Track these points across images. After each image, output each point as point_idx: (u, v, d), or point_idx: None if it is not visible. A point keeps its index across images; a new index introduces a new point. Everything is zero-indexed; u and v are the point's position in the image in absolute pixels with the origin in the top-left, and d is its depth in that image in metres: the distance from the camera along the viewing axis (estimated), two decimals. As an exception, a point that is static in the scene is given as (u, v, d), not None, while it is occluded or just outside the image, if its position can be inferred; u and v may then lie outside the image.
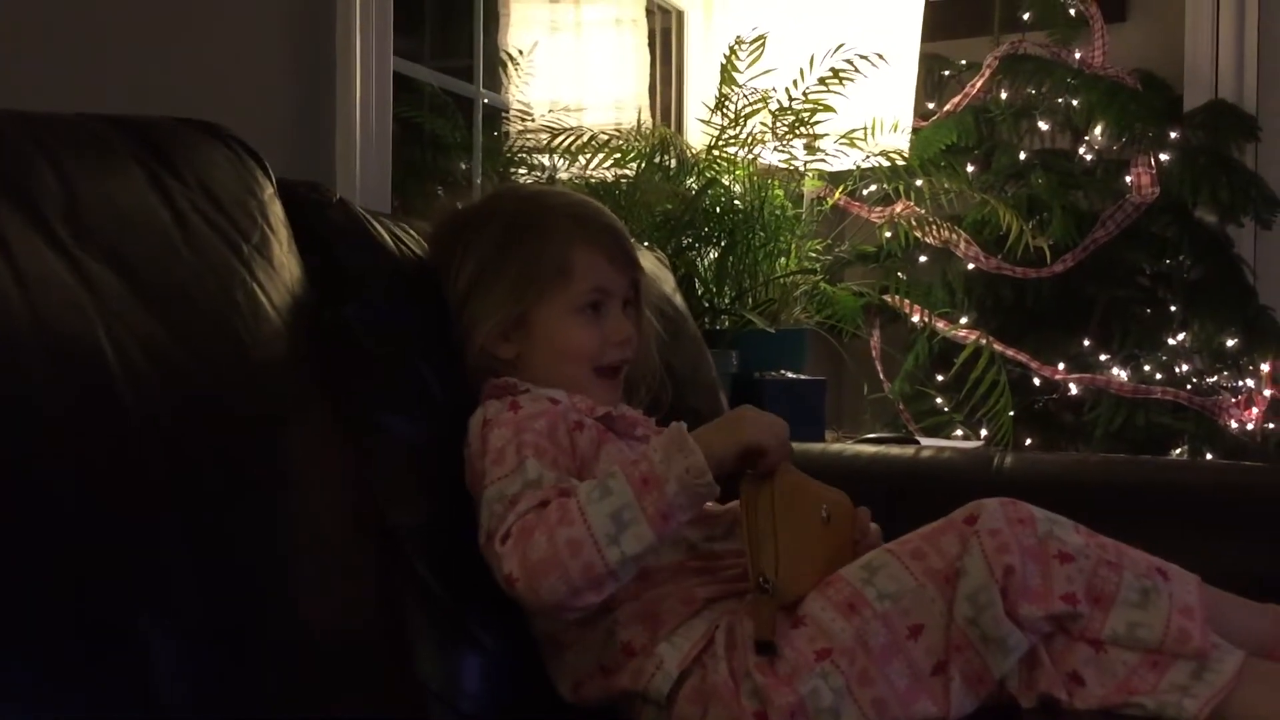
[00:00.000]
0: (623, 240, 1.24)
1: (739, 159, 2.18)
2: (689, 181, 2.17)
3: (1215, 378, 2.46)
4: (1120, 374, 2.42)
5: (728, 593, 1.09)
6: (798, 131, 2.14)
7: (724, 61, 2.16)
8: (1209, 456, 2.34)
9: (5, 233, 0.78)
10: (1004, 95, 2.68)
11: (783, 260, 2.23)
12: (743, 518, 1.06)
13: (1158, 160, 2.49)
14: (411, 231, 1.25)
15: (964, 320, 2.49)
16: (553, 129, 2.13)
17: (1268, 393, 2.44)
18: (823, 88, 2.10)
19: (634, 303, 1.24)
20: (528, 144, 2.15)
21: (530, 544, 0.98)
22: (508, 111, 2.24)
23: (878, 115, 2.26)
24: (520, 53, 2.27)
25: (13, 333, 0.75)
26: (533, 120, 2.20)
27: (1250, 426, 2.38)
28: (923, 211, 2.37)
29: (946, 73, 2.80)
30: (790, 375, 2.05)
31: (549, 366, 1.18)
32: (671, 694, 1.03)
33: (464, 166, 2.11)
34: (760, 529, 1.04)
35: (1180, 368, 2.45)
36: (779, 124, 2.14)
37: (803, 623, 1.03)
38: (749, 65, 2.14)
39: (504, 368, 1.19)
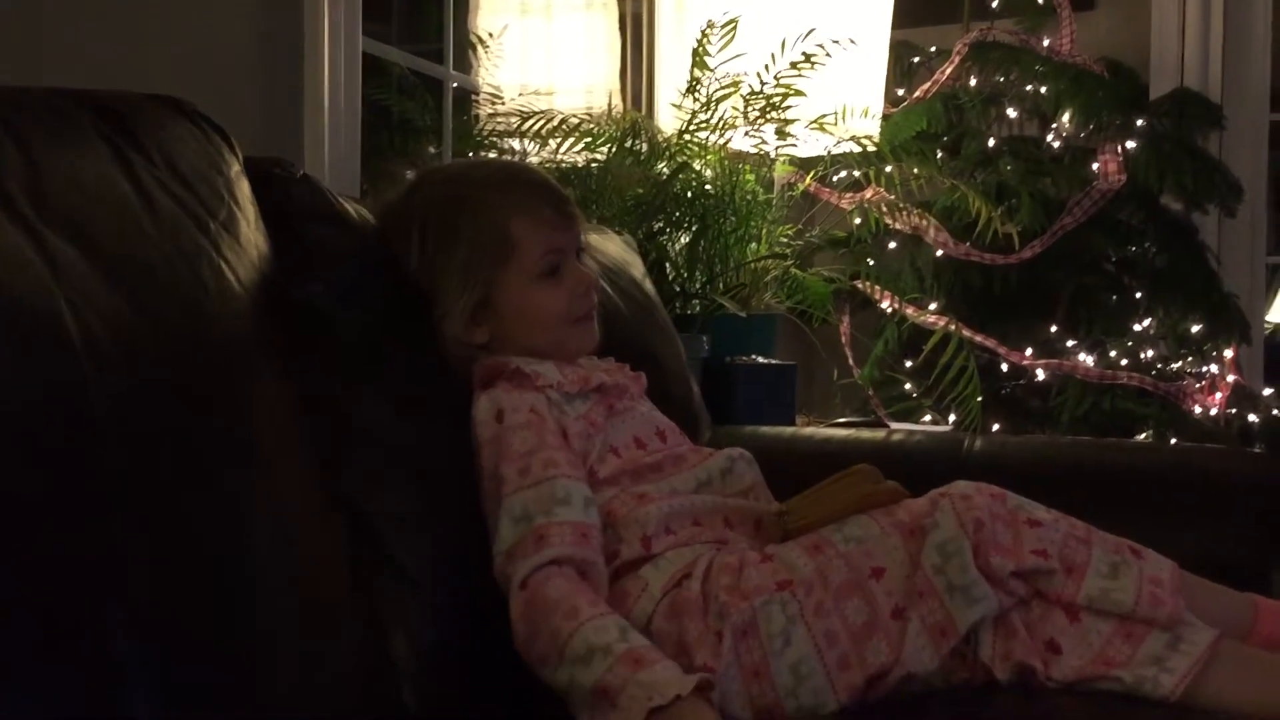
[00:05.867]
0: (555, 194, 1.24)
1: (710, 144, 2.17)
2: (660, 166, 2.17)
3: (1179, 363, 2.49)
4: (1087, 359, 2.44)
5: (720, 540, 1.13)
6: (769, 116, 2.14)
7: (695, 46, 2.15)
8: (1173, 441, 2.36)
9: (-34, 207, 0.77)
10: (973, 82, 2.69)
11: (754, 245, 2.24)
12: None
13: (1124, 148, 2.50)
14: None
15: (933, 306, 2.50)
16: (523, 112, 2.12)
17: (1231, 378, 2.47)
18: (794, 73, 2.10)
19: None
20: (498, 127, 2.13)
21: (531, 615, 0.99)
22: (478, 94, 2.22)
23: (848, 101, 2.26)
24: (490, 35, 2.26)
25: (-26, 309, 0.73)
26: (503, 103, 2.19)
27: (1214, 412, 2.41)
28: (893, 197, 2.37)
29: (916, 59, 2.80)
30: (761, 360, 2.05)
31: (524, 336, 1.19)
32: (650, 616, 1.06)
33: (433, 150, 2.09)
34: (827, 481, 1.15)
35: (1145, 353, 2.47)
36: (750, 108, 2.14)
37: (769, 559, 1.06)
38: (720, 49, 2.13)
39: (481, 351, 1.19)
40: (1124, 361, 2.44)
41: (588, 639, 0.94)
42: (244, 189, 1.05)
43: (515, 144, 2.12)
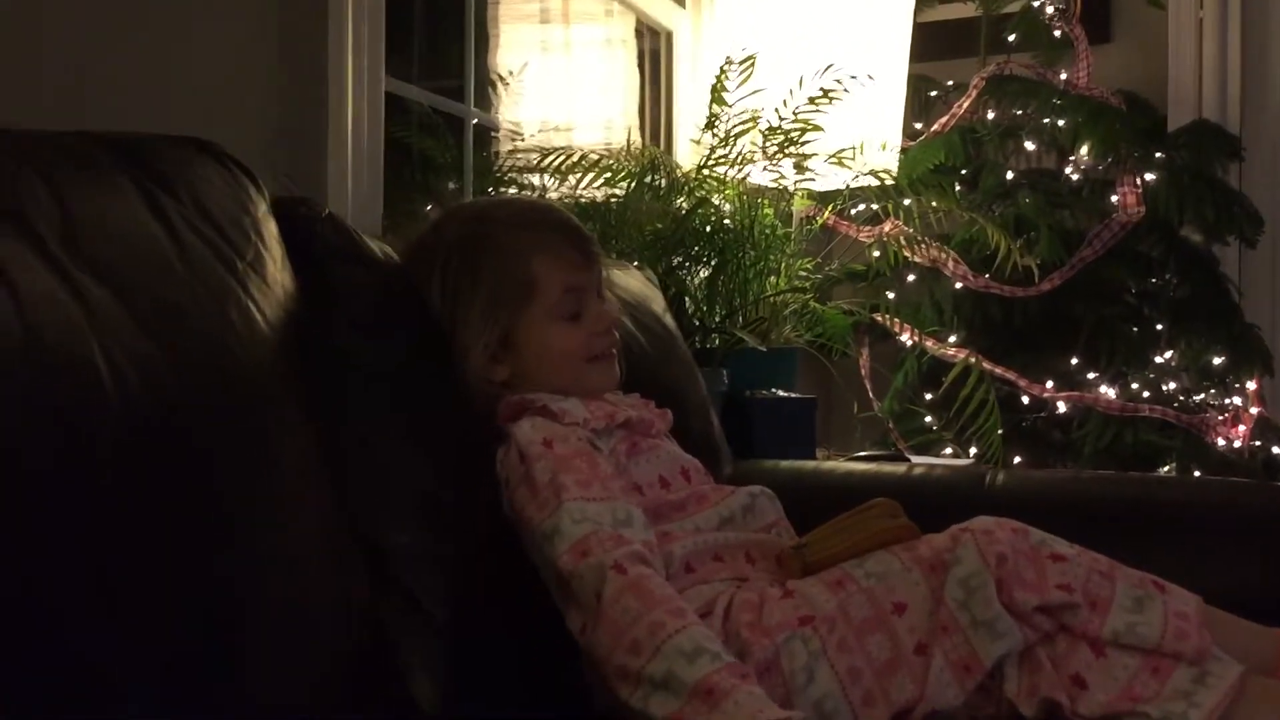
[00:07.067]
0: (577, 234, 1.25)
1: (729, 178, 2.19)
2: (679, 201, 2.18)
3: (1202, 395, 2.47)
4: (1108, 392, 2.43)
5: (741, 576, 1.13)
6: (787, 151, 2.15)
7: (714, 82, 2.17)
8: (1196, 473, 2.35)
9: (1, 253, 0.78)
10: (990, 115, 2.70)
11: (773, 279, 2.24)
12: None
13: (1143, 180, 2.50)
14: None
15: (952, 339, 2.49)
16: (543, 149, 2.13)
17: (1254, 410, 2.45)
18: (812, 107, 2.11)
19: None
20: (518, 164, 2.15)
21: (629, 602, 0.97)
22: (498, 131, 2.24)
23: (866, 135, 2.28)
24: (510, 73, 2.28)
25: (8, 353, 0.74)
26: (523, 140, 2.21)
27: (1237, 444, 2.39)
28: (911, 230, 2.38)
29: (934, 93, 2.82)
30: (781, 394, 2.05)
31: (544, 375, 1.20)
32: None
33: (454, 186, 2.11)
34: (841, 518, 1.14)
35: (1168, 385, 2.46)
36: (769, 143, 2.15)
37: (791, 595, 1.06)
38: (739, 85, 2.15)
39: (502, 388, 1.20)
40: (1146, 394, 2.43)
41: (695, 639, 0.94)
42: (271, 229, 1.06)
43: (535, 180, 2.14)
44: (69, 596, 0.73)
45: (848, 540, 1.11)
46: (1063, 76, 2.68)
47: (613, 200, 2.11)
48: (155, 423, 0.82)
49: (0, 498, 0.70)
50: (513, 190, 2.14)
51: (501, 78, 2.27)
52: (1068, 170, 2.67)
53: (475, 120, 2.18)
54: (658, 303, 1.74)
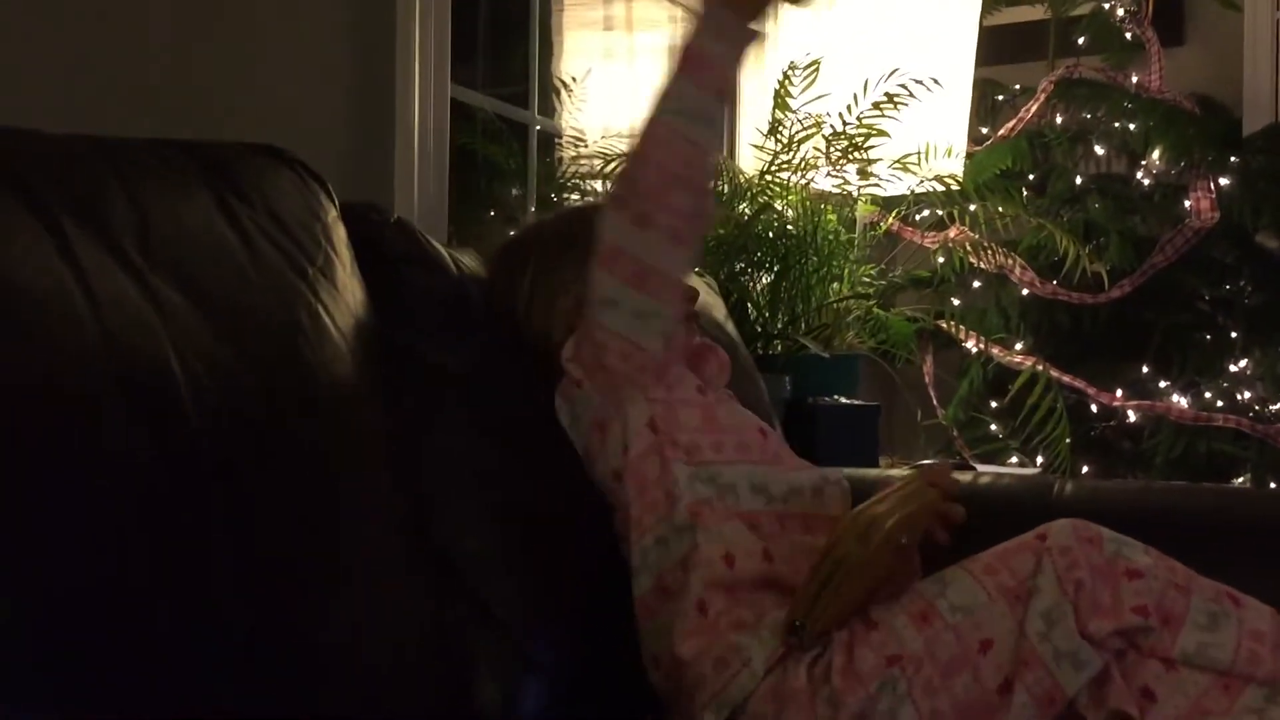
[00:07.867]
0: None
1: (792, 184, 2.18)
2: (741, 207, 2.17)
3: (1278, 404, 2.41)
4: (1180, 401, 2.38)
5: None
6: (851, 156, 2.14)
7: (777, 87, 2.16)
8: (1272, 485, 2.29)
9: (80, 255, 0.80)
10: (1059, 120, 2.66)
11: (836, 285, 2.23)
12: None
13: (1217, 184, 2.45)
14: (464, 258, 1.27)
15: (1019, 346, 2.46)
16: (606, 155, 2.14)
17: (1333, 420, 2.39)
18: (876, 113, 2.09)
19: None
20: (581, 170, 2.16)
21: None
22: (561, 137, 2.25)
23: (931, 140, 2.25)
24: (574, 79, 2.29)
25: (85, 353, 0.76)
26: (586, 146, 2.21)
27: (1316, 455, 2.33)
28: (977, 236, 2.35)
29: (1000, 97, 2.78)
30: (844, 401, 2.03)
31: None
32: (749, 696, 1.03)
33: (517, 192, 2.12)
34: (818, 574, 1.03)
35: (1242, 394, 2.40)
36: (832, 149, 2.14)
37: (876, 628, 1.03)
38: (802, 90, 2.14)
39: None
40: (1219, 403, 2.38)
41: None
42: (340, 234, 1.08)
43: (598, 185, 2.14)
44: (147, 594, 0.74)
45: (841, 600, 1.03)
46: (1134, 80, 2.63)
47: (675, 206, 2.11)
48: (228, 423, 0.83)
49: (80, 492, 0.72)
50: (575, 196, 2.15)
51: (565, 84, 2.29)
52: (1139, 175, 2.62)
53: (539, 127, 2.19)
54: (719, 310, 1.74)
